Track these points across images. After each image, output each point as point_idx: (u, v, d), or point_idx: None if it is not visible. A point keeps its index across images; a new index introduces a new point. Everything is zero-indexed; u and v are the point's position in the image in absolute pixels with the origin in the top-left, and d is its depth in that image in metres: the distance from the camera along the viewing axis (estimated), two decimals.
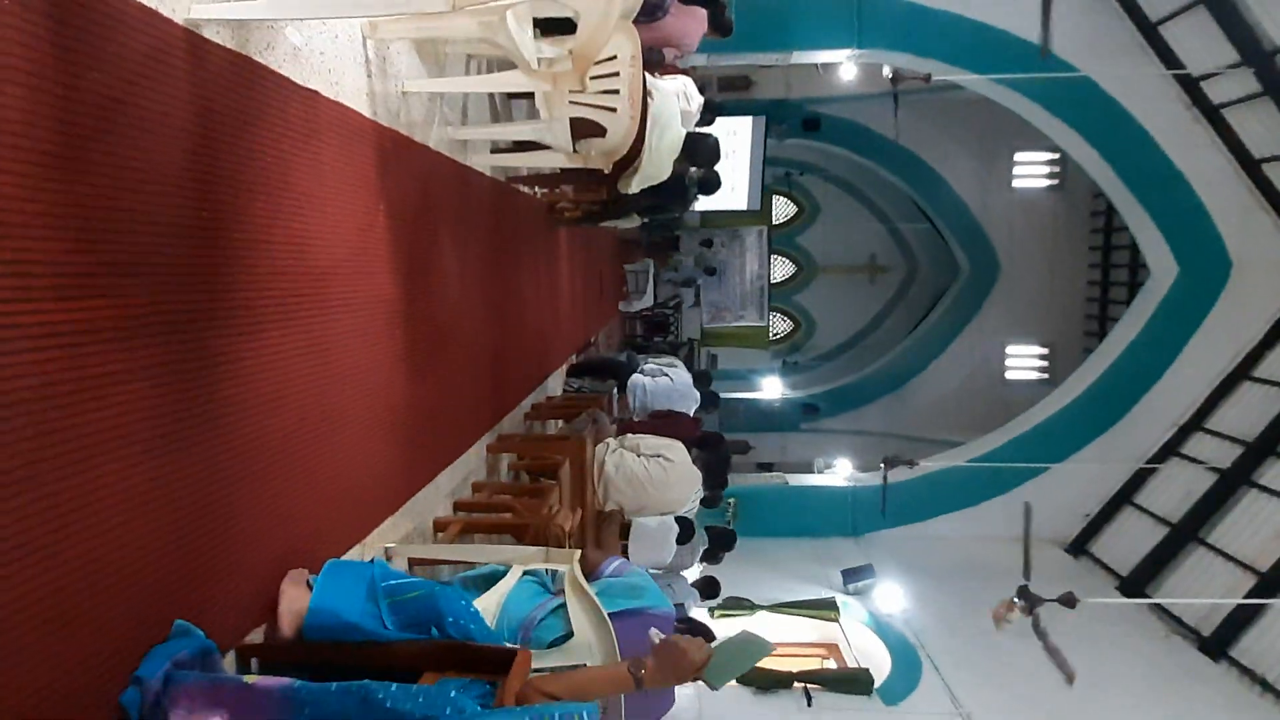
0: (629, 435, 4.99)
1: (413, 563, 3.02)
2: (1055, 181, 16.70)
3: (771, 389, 19.03)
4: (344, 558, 2.57)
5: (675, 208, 6.21)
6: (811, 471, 15.65)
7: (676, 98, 4.65)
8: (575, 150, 3.88)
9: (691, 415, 6.55)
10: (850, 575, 8.80)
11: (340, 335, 2.51)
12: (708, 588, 6.23)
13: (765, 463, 18.22)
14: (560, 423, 5.64)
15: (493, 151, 4.34)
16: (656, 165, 4.44)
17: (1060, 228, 16.63)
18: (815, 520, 10.52)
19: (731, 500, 10.13)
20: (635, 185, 4.53)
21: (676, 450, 4.88)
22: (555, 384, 6.91)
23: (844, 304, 21.72)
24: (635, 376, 6.81)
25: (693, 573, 6.43)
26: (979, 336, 17.32)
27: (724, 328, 18.53)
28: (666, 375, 6.82)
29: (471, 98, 4.12)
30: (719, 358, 20.65)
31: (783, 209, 22.07)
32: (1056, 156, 16.54)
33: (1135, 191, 10.10)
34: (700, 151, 5.08)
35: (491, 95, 4.42)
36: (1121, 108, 9.82)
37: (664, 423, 5.79)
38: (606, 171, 4.65)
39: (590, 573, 2.64)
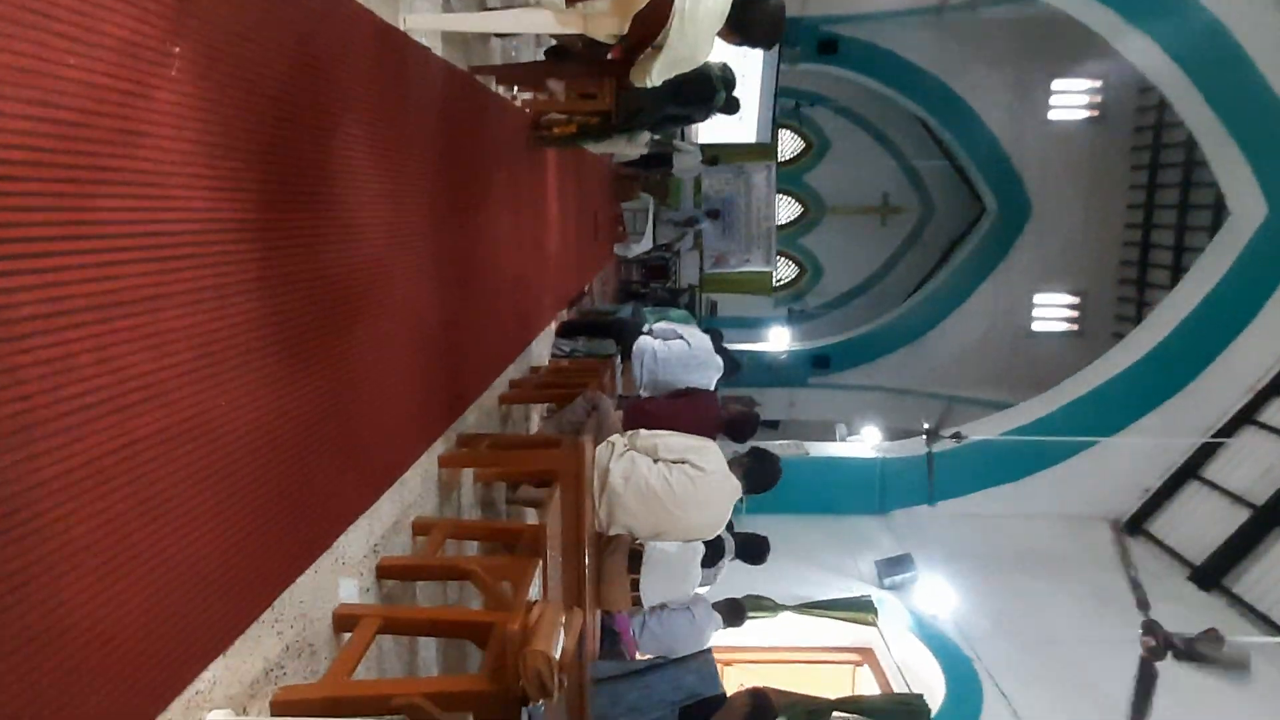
0: (642, 432, 3.60)
1: None
2: (1095, 113, 15.14)
3: (777, 339, 17.65)
4: None
5: (697, 116, 4.70)
6: (828, 435, 14.46)
7: None
8: (570, 3, 2.42)
9: (713, 389, 5.17)
10: (886, 567, 7.56)
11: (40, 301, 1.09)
12: (732, 612, 4.93)
13: (771, 420, 16.95)
14: (548, 408, 4.25)
15: (445, 10, 2.85)
16: (690, 43, 2.94)
17: (1099, 164, 15.13)
18: (838, 495, 9.25)
19: None
20: (657, 73, 3.02)
21: (709, 454, 3.50)
22: (541, 348, 5.51)
23: (853, 247, 20.23)
24: (643, 340, 5.40)
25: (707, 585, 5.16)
26: (1005, 283, 15.93)
27: (726, 273, 17.03)
28: (682, 339, 5.40)
29: None
30: (718, 305, 19.31)
31: (789, 144, 20.41)
32: (1098, 84, 14.97)
33: (1223, 118, 8.62)
34: (757, 20, 3.39)
35: None
36: (1212, 16, 8.27)
37: (685, 406, 4.39)
38: (612, 55, 3.19)
39: None
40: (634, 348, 5.40)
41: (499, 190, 4.14)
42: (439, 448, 3.02)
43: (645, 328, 5.64)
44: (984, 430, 9.32)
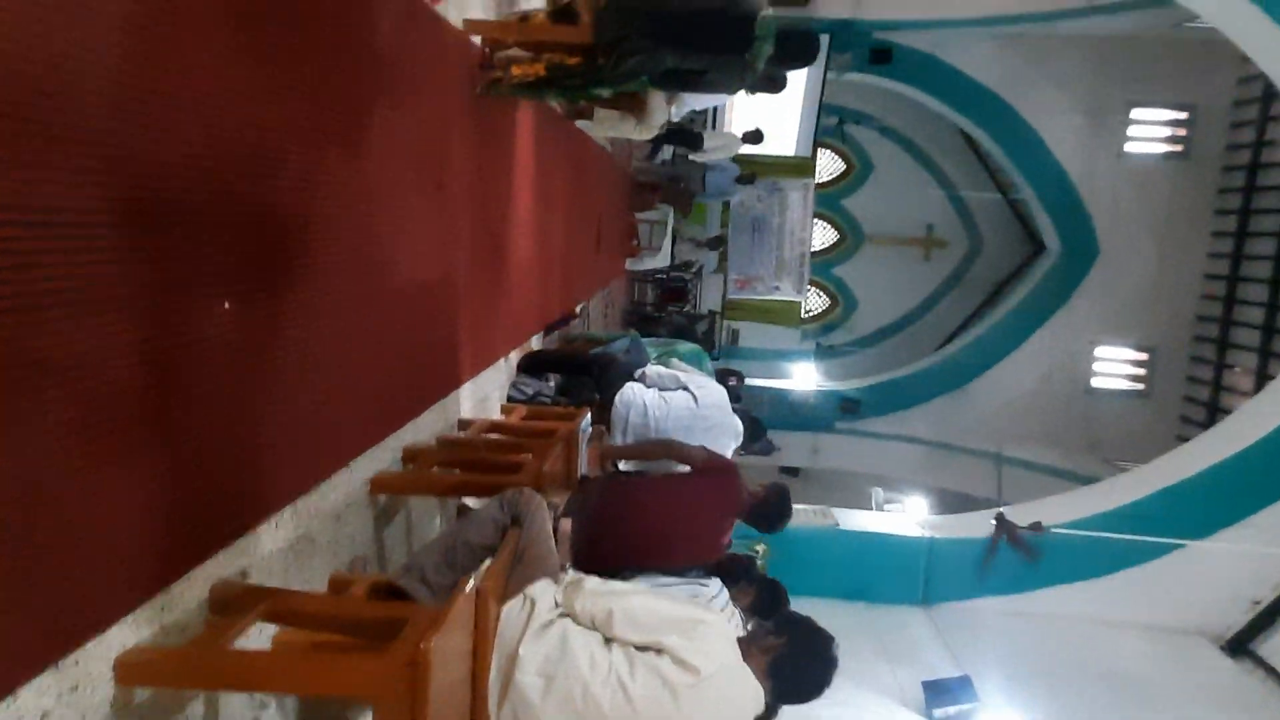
0: (588, 583, 1.99)
1: None
2: (1178, 148, 13.44)
3: (803, 377, 16.01)
4: None
5: (719, 78, 3.06)
6: (860, 498, 12.77)
7: None
8: None
9: (730, 467, 3.53)
10: (937, 694, 5.85)
11: None
12: None
13: (790, 467, 15.24)
14: (447, 508, 2.66)
15: None
16: None
17: (1179, 206, 13.40)
18: (873, 579, 7.55)
19: (761, 547, 7.20)
20: None
21: (706, 637, 1.89)
22: (490, 388, 3.93)
23: (891, 281, 18.60)
24: (631, 389, 3.80)
25: None
26: (1063, 332, 14.18)
27: (751, 300, 15.43)
28: (687, 391, 3.80)
29: None
30: (740, 334, 17.78)
31: (828, 164, 18.85)
32: (1184, 116, 13.29)
33: None
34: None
35: None
36: None
37: (684, 507, 2.77)
38: None
39: None
40: (618, 397, 3.81)
41: (421, 146, 2.59)
42: (138, 631, 1.42)
43: (638, 372, 4.05)
44: (1053, 512, 7.59)
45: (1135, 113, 13.38)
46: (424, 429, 2.98)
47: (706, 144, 8.12)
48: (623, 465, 3.62)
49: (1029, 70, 13.21)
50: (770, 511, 3.12)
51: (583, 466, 3.13)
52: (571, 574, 2.10)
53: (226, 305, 1.61)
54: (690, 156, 8.37)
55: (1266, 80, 10.86)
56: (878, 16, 12.98)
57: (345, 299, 2.17)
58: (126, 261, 1.38)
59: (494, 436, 3.25)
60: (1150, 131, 13.51)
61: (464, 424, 3.33)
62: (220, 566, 1.67)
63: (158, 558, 1.50)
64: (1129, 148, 13.46)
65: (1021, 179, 14.26)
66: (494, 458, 2.76)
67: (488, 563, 2.04)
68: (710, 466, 3.08)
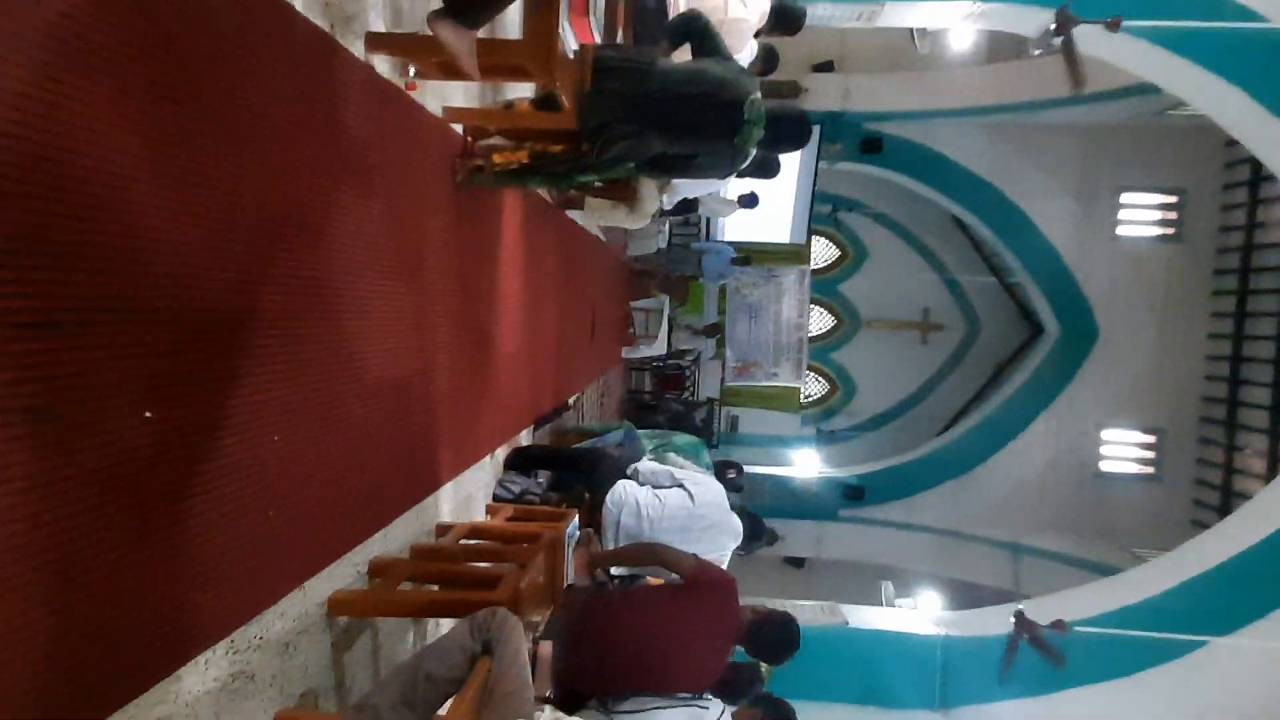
0: None
1: None
2: (1170, 230, 13.51)
3: (804, 463, 15.71)
4: None
5: (708, 162, 2.94)
6: (869, 592, 12.36)
7: None
8: None
9: (725, 581, 3.24)
10: None
11: None
12: None
13: (795, 558, 14.82)
14: (420, 625, 2.41)
15: None
16: None
17: (1175, 288, 13.39)
18: (886, 682, 7.14)
19: None
20: None
21: None
22: (474, 487, 3.69)
23: (890, 365, 18.48)
24: (623, 487, 3.57)
25: None
26: (1069, 415, 13.96)
27: (750, 386, 15.27)
28: (683, 488, 3.57)
29: None
30: (739, 420, 17.61)
31: (822, 251, 19.00)
32: (1174, 200, 13.41)
33: None
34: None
35: None
36: None
37: (680, 623, 2.51)
38: None
39: None
40: (609, 497, 3.58)
41: (394, 236, 2.45)
42: None
43: (630, 468, 3.82)
44: (1073, 606, 7.22)
45: (1125, 197, 13.51)
46: (397, 537, 2.75)
47: (702, 208, 8.10)
48: (614, 570, 3.37)
49: (1018, 157, 13.41)
50: (772, 637, 2.86)
51: (570, 574, 2.88)
52: (548, 713, 1.84)
53: (148, 414, 1.41)
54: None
55: (1254, 163, 11.02)
56: (867, 108, 13.26)
57: (298, 403, 1.98)
58: (16, 368, 1.19)
59: (474, 542, 3.01)
60: (1141, 215, 13.61)
61: (443, 529, 3.09)
62: None
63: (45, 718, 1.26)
64: (1121, 231, 13.54)
65: (1016, 263, 14.32)
66: (472, 569, 2.52)
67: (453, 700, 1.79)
68: (702, 580, 2.82)
